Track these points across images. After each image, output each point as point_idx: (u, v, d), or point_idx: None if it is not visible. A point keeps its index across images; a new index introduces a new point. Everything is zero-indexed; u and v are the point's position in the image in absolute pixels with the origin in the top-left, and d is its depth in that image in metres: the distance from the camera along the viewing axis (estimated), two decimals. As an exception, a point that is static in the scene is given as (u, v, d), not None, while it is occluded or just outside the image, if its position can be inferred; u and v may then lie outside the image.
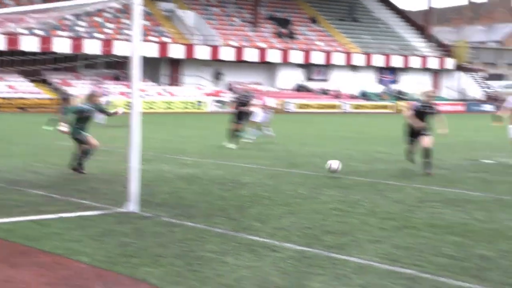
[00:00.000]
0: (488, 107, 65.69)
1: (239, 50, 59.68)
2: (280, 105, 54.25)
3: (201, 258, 6.98)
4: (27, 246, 7.46)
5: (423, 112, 14.90)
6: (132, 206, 9.61)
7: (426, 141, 14.78)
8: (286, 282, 6.15)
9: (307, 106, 59.19)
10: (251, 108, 22.06)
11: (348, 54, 65.55)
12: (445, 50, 72.89)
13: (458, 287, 6.10)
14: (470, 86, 73.22)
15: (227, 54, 58.99)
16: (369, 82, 67.08)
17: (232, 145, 20.75)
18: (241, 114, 21.47)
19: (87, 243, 7.59)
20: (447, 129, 15.19)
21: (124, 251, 7.24)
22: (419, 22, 76.26)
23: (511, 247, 7.72)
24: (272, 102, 27.57)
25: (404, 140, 15.51)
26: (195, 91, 57.75)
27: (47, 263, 6.75)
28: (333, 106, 60.34)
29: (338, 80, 65.03)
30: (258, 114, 23.87)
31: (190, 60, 58.37)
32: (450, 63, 70.75)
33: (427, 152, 14.69)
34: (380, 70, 68.22)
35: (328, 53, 64.28)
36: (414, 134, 15.11)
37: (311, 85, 63.95)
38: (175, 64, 58.85)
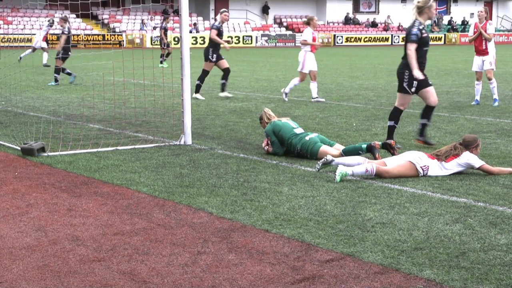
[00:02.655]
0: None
1: (286, -17, 58.93)
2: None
3: (256, 188, 7.10)
4: (88, 177, 7.68)
5: None
6: (187, 139, 9.76)
7: None
8: (341, 211, 6.23)
9: (356, 39, 58.46)
10: None
11: (397, -15, 64.19)
12: (498, -21, 70.77)
13: (513, 215, 6.11)
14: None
15: (274, -13, 58.35)
16: (419, 14, 65.72)
17: None
18: None
19: (145, 174, 7.77)
20: None
21: (181, 182, 7.40)
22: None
23: None
24: None
25: None
26: (243, 26, 57.46)
27: (108, 193, 6.96)
28: (382, 39, 59.49)
29: (387, 12, 63.83)
30: None
31: (237, -6, 57.93)
32: (502, -8, 68.75)
33: None
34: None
35: (376, -16, 63.06)
36: None
37: (360, 17, 62.95)
38: (222, -1, 58.49)
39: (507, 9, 70.69)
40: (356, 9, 63.65)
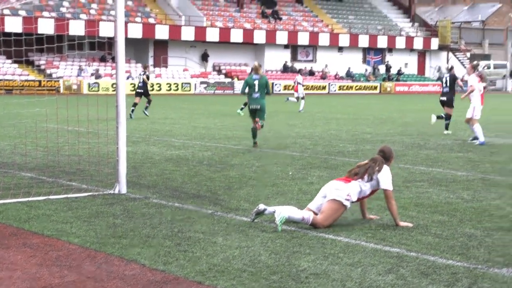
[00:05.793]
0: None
1: (224, 31, 59.47)
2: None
3: (190, 239, 7.03)
4: (17, 228, 7.48)
5: None
6: (121, 187, 9.64)
7: None
8: (275, 262, 6.21)
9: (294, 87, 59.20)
10: None
11: (334, 34, 65.47)
12: (430, 30, 72.95)
13: (444, 265, 6.18)
14: (455, 66, 73.35)
15: (212, 35, 58.77)
16: (355, 63, 67.11)
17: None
18: None
19: (77, 225, 7.62)
20: None
21: (114, 232, 7.27)
22: (403, 2, 76.22)
23: (495, 225, 7.82)
24: None
25: None
26: (182, 73, 57.59)
27: (37, 244, 6.78)
28: (319, 87, 60.41)
29: (325, 61, 64.97)
30: None
31: (176, 42, 58.15)
32: (435, 43, 70.81)
33: None
34: (365, 50, 68.23)
35: (313, 34, 64.16)
36: None
37: (298, 66, 63.87)
38: (161, 46, 58.59)
39: (439, 59, 72.83)
40: (294, 58, 64.59)
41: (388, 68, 67.70)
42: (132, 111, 25.44)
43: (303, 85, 33.07)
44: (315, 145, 16.61)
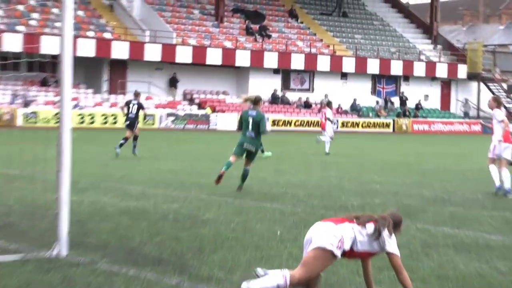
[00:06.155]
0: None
1: (199, 50, 59.71)
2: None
3: (148, 318, 6.92)
4: None
5: None
6: (61, 248, 9.53)
7: None
8: None
9: (285, 122, 59.38)
10: None
11: (336, 57, 65.90)
12: (456, 54, 73.66)
13: None
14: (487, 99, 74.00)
15: (183, 55, 59.00)
16: (362, 93, 67.48)
17: None
18: None
19: (2, 297, 7.49)
20: None
21: (49, 308, 7.15)
22: (424, 19, 77.08)
23: (540, 306, 7.77)
24: None
25: None
26: (144, 102, 57.64)
27: (-51, 323, 6.64)
28: (317, 123, 60.67)
29: (324, 90, 65.23)
30: None
31: (138, 62, 58.33)
32: (462, 70, 71.41)
33: None
34: (375, 78, 68.71)
35: (310, 56, 64.53)
36: None
37: (290, 96, 64.12)
38: (119, 67, 58.72)
39: (468, 91, 73.45)
40: (285, 86, 64.87)
41: (403, 101, 68.18)
42: (134, 147, 27.48)
43: (332, 121, 33.70)
44: (310, 196, 16.56)
